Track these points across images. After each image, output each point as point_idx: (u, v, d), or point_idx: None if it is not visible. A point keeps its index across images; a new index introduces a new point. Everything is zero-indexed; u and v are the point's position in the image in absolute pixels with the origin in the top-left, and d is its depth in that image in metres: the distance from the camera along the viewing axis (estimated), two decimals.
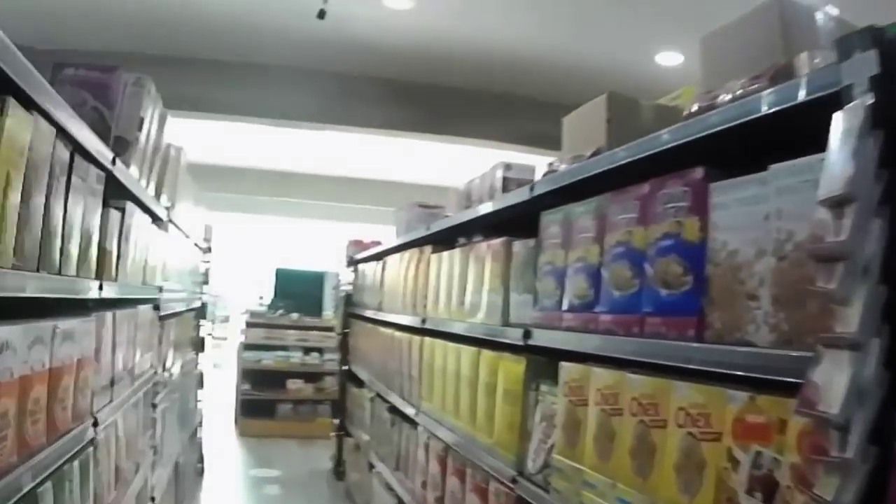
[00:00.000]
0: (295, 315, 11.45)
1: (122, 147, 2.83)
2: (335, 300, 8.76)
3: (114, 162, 2.56)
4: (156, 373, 4.12)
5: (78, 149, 2.18)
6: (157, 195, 3.85)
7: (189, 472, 6.57)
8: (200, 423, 7.84)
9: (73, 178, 2.13)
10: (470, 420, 3.28)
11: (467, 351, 3.38)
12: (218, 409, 11.52)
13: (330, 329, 10.95)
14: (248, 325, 11.36)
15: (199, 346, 7.63)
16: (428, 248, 4.46)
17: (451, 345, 3.66)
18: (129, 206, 2.95)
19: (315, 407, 10.81)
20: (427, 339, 4.19)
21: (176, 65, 7.57)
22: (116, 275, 2.84)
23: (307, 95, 8.08)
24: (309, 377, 10.94)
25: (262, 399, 10.71)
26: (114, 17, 6.92)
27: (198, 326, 7.59)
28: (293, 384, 10.85)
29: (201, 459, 7.91)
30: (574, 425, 2.28)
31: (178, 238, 5.03)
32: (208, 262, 8.02)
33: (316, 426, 10.37)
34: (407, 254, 5.07)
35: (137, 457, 3.52)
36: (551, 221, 2.61)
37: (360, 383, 7.04)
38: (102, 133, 2.59)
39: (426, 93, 8.33)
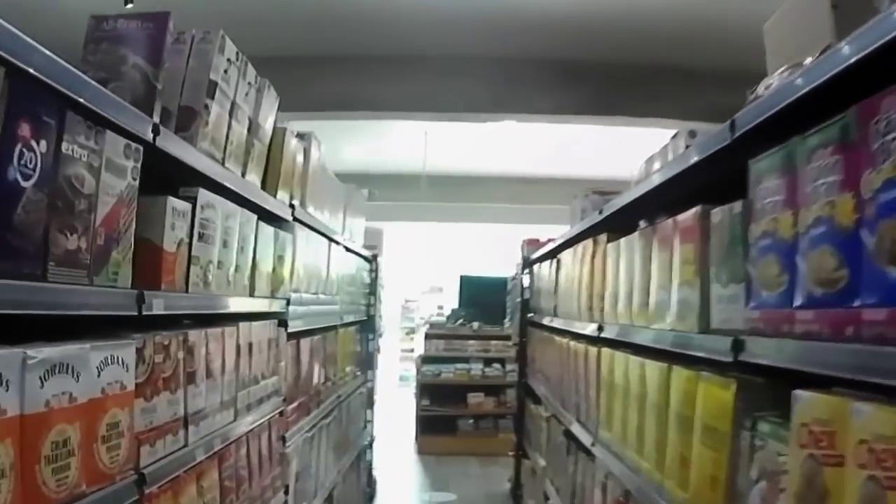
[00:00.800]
0: (476, 324, 10.80)
1: (184, 117, 2.21)
2: (511, 306, 8.00)
3: (156, 132, 1.92)
4: (284, 400, 3.51)
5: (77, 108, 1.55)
6: (269, 189, 3.24)
7: (350, 501, 6.01)
8: (370, 445, 7.32)
9: (64, 143, 1.50)
10: (656, 461, 2.41)
11: (653, 367, 2.52)
12: (400, 425, 11.09)
13: (510, 339, 10.24)
14: (428, 336, 10.84)
15: (365, 361, 7.11)
16: (602, 238, 3.63)
17: (633, 358, 2.80)
18: (204, 193, 2.31)
19: (496, 422, 10.12)
20: (605, 351, 3.35)
21: (331, 64, 7.15)
22: (188, 283, 2.21)
23: (468, 85, 7.41)
24: (490, 390, 10.27)
25: (441, 415, 10.13)
26: (263, 20, 6.53)
27: (364, 340, 7.08)
28: (474, 398, 10.21)
29: (371, 483, 7.37)
30: (819, 498, 1.39)
31: (318, 244, 4.43)
32: (374, 271, 7.50)
33: (497, 442, 9.67)
34: (580, 247, 4.25)
35: None
36: (767, 170, 1.72)
37: (537, 399, 6.25)
38: (143, 97, 1.97)
39: (596, 72, 7.43)
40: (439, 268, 17.21)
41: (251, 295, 2.95)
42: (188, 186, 2.25)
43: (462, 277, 12.62)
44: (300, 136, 3.81)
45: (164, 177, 2.11)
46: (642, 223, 3.06)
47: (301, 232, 3.83)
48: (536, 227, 14.52)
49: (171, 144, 2.04)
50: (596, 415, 3.49)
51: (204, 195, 2.31)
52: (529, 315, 7.05)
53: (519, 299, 7.40)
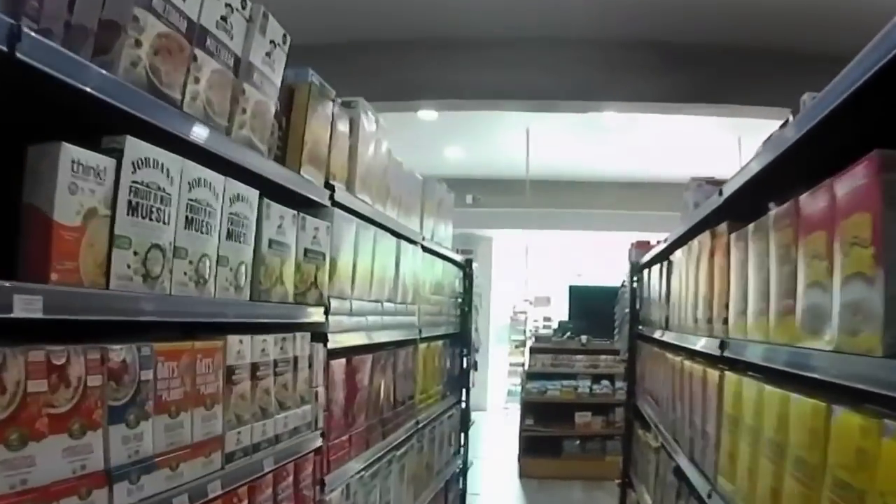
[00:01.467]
0: (584, 338, 9.96)
1: (105, 35, 1.56)
2: (619, 318, 7.17)
3: (14, 37, 1.26)
4: (323, 435, 2.84)
5: None
6: (291, 162, 2.58)
7: None
8: (463, 472, 6.61)
9: None
10: None
11: (801, 405, 1.72)
12: (504, 445, 10.37)
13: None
14: (533, 350, 10.06)
15: (457, 380, 6.43)
16: (723, 228, 2.83)
17: (771, 389, 2.01)
18: (136, 145, 1.63)
19: (604, 443, 9.25)
20: (730, 376, 2.54)
21: (411, 49, 6.51)
22: (108, 275, 1.56)
23: (567, 69, 6.66)
24: (598, 409, 9.40)
25: (546, 435, 9.34)
26: (338, 5, 5.98)
27: (455, 356, 6.39)
28: (581, 417, 9.36)
29: None
30: None
31: (381, 241, 3.75)
32: (468, 278, 6.81)
33: (605, 466, 8.81)
34: (695, 243, 3.45)
35: None
36: None
37: (645, 423, 5.42)
38: None
39: (702, 56, 6.58)
40: (550, 277, 16.40)
41: (255, 298, 2.29)
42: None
43: (571, 287, 11.78)
44: (345, 104, 3.14)
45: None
46: (772, 205, 2.26)
47: (347, 224, 3.15)
48: (645, 234, 13.75)
49: (47, 56, 1.35)
50: (714, 457, 2.69)
51: (136, 147, 1.63)
52: (638, 328, 6.24)
53: (627, 310, 6.57)
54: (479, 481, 7.74)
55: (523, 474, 9.20)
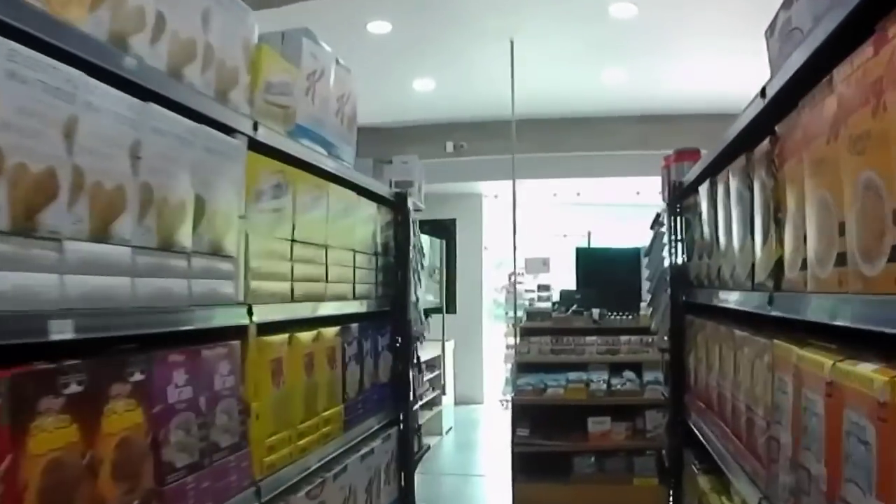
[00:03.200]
0: (596, 312, 7.33)
1: None
2: (652, 277, 4.48)
3: None
4: None
5: None
6: None
7: None
8: None
9: None
10: None
11: None
12: (495, 461, 7.88)
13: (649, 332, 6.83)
14: (525, 332, 7.42)
15: (390, 392, 3.90)
16: None
17: None
18: None
19: (630, 460, 6.67)
20: None
21: None
22: None
23: None
24: (620, 412, 6.77)
25: (548, 450, 6.77)
26: None
27: (381, 351, 3.85)
28: (597, 425, 6.75)
29: None
30: None
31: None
32: (402, 224, 4.24)
33: (633, 492, 6.37)
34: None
35: None
36: None
37: (706, 457, 2.92)
38: None
39: None
40: (554, 241, 13.81)
41: None
42: None
43: (579, 250, 9.16)
44: None
45: None
46: None
47: None
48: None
49: None
50: None
51: None
52: (686, 293, 3.68)
53: (666, 264, 3.97)
54: None
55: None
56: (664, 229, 3.92)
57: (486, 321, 13.98)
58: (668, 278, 3.88)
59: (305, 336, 2.74)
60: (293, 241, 2.66)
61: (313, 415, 2.82)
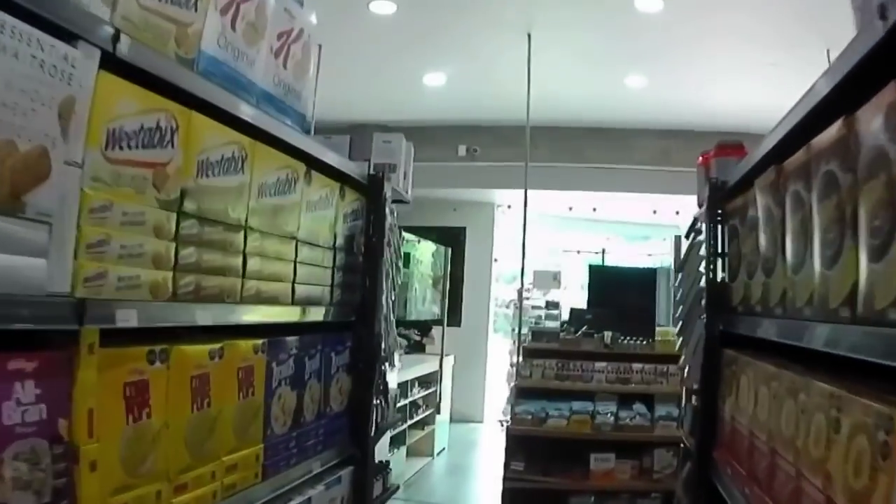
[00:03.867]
0: (608, 335, 6.50)
1: None
2: (685, 297, 3.58)
3: None
4: None
5: None
6: None
7: None
8: None
9: None
10: None
11: None
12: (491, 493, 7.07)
13: (666, 360, 6.01)
14: (528, 353, 6.59)
15: (331, 426, 3.08)
16: None
17: None
18: None
19: (633, 502, 5.85)
20: None
21: None
22: None
23: None
24: (627, 449, 5.94)
25: (543, 488, 5.94)
26: None
27: (338, 372, 3.06)
28: (600, 462, 5.91)
29: None
30: None
31: None
32: (375, 211, 3.44)
33: None
34: None
35: None
36: None
37: None
38: None
39: None
40: (566, 258, 13.07)
41: None
42: None
43: (592, 267, 8.41)
44: None
45: None
46: None
47: None
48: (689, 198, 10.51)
49: None
50: None
51: None
52: (725, 322, 2.86)
53: (699, 284, 3.14)
54: None
55: None
56: (702, 237, 3.09)
57: (492, 336, 13.20)
58: (700, 304, 3.06)
59: (194, 351, 1.94)
60: (181, 211, 1.87)
61: (207, 460, 2.02)
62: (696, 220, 3.32)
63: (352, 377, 3.20)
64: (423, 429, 9.62)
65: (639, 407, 6.04)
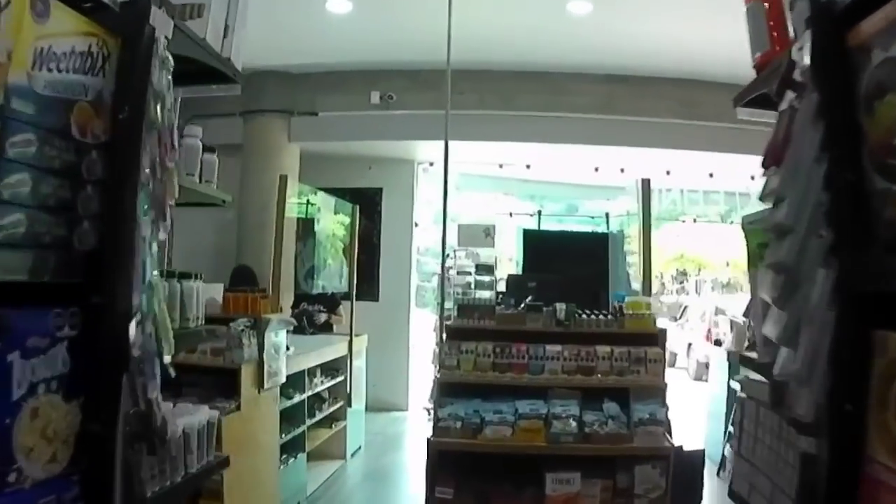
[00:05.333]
0: (561, 308, 4.81)
1: None
2: (794, 232, 1.91)
3: None
4: None
5: None
6: None
7: None
8: None
9: None
10: None
11: None
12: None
13: (642, 341, 4.42)
14: (452, 333, 4.87)
15: None
16: None
17: None
18: None
19: None
20: None
21: None
22: None
23: None
24: (594, 465, 4.29)
25: None
26: None
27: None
28: (559, 484, 4.26)
29: None
30: None
31: None
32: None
33: None
34: None
35: None
36: None
37: None
38: None
39: None
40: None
41: None
42: None
43: (526, 232, 7.02)
44: None
45: None
46: None
47: None
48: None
49: None
50: None
51: None
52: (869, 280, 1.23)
53: (813, 198, 1.49)
54: None
55: None
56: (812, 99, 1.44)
57: (415, 311, 11.79)
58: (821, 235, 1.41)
59: None
60: None
61: None
62: (788, 79, 1.63)
63: (73, 404, 1.47)
64: (331, 427, 7.90)
65: (610, 407, 4.41)
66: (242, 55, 2.26)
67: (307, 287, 10.23)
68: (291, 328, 5.94)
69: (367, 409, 9.17)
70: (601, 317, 4.77)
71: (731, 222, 12.82)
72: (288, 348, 5.70)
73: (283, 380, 5.46)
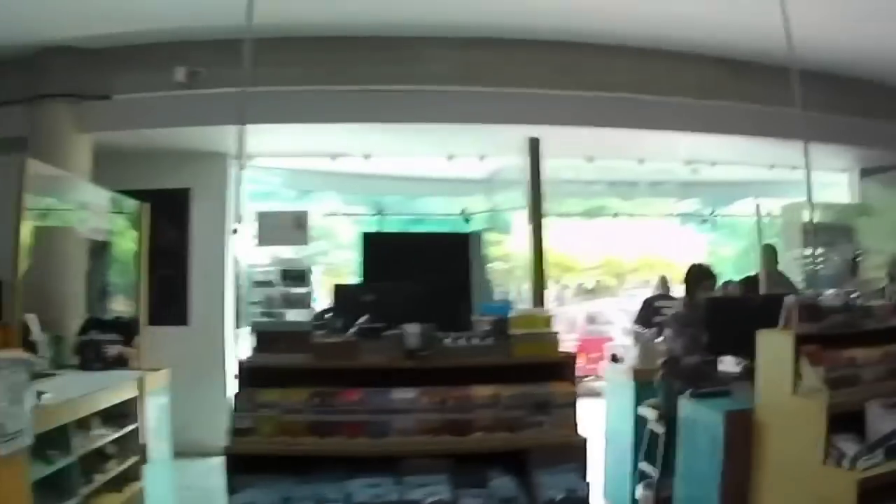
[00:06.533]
0: (414, 333, 3.20)
1: None
2: None
3: None
4: None
5: None
6: None
7: None
8: None
9: None
10: None
11: None
12: None
13: (541, 374, 2.91)
14: (249, 374, 3.16)
15: None
16: None
17: None
18: None
19: None
20: None
21: None
22: None
23: None
24: None
25: None
26: None
27: None
28: None
29: None
30: None
31: None
32: None
33: None
34: None
35: None
36: None
37: None
38: None
39: None
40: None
41: None
42: None
43: (367, 236, 5.65)
44: None
45: None
46: None
47: None
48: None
49: None
50: None
51: None
52: None
53: None
54: None
55: None
56: None
57: (237, 333, 9.98)
58: None
59: None
60: None
61: None
62: None
63: None
64: (121, 491, 6.10)
65: (500, 484, 2.82)
66: None
67: (100, 311, 8.41)
68: (36, 367, 4.46)
69: (175, 457, 7.42)
70: (475, 341, 3.19)
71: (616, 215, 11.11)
72: (39, 395, 4.13)
73: (30, 441, 3.86)
